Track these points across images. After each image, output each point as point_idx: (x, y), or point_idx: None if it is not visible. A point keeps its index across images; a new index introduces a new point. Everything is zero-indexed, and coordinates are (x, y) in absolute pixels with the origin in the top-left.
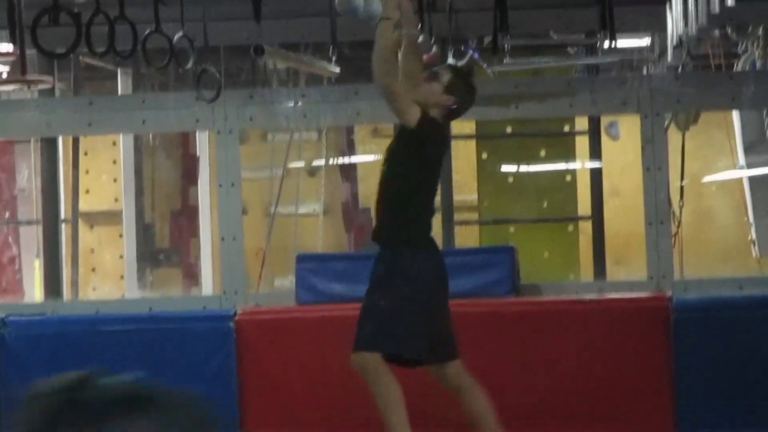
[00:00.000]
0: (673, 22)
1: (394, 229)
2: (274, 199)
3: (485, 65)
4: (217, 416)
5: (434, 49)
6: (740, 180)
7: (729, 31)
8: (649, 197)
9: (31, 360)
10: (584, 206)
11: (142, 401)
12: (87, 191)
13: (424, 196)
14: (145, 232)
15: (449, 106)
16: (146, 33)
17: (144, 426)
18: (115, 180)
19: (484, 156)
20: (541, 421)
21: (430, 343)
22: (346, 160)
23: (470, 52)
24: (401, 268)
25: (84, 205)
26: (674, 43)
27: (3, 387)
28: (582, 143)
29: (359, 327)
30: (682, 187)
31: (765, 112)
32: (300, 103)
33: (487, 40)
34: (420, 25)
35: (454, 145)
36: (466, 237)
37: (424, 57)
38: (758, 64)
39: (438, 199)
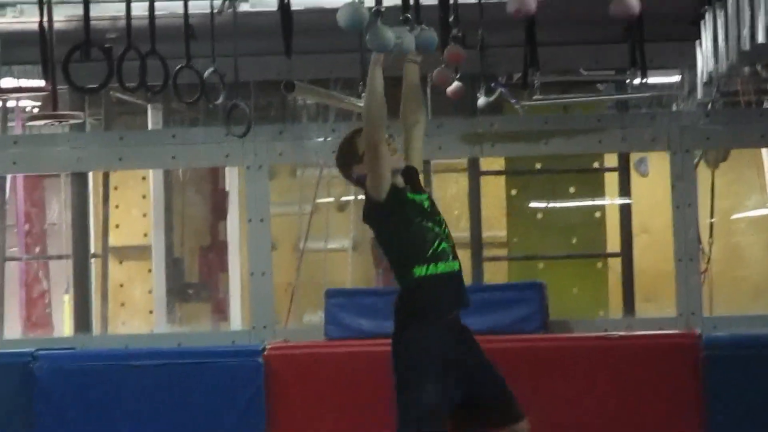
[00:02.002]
0: (703, 58)
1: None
2: (303, 234)
3: (514, 101)
4: None
5: (456, 83)
6: None
7: (759, 68)
8: (678, 234)
9: (61, 394)
10: (613, 243)
11: None
12: (117, 226)
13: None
14: (174, 266)
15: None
16: (177, 68)
17: None
18: (144, 215)
19: (514, 192)
20: None
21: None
22: None
23: (499, 88)
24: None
25: (114, 239)
26: (704, 79)
27: (34, 421)
28: (611, 180)
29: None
30: (711, 224)
31: None
32: (329, 139)
33: (517, 76)
34: None
35: (483, 180)
36: (495, 273)
37: (449, 92)
38: None
39: (467, 234)
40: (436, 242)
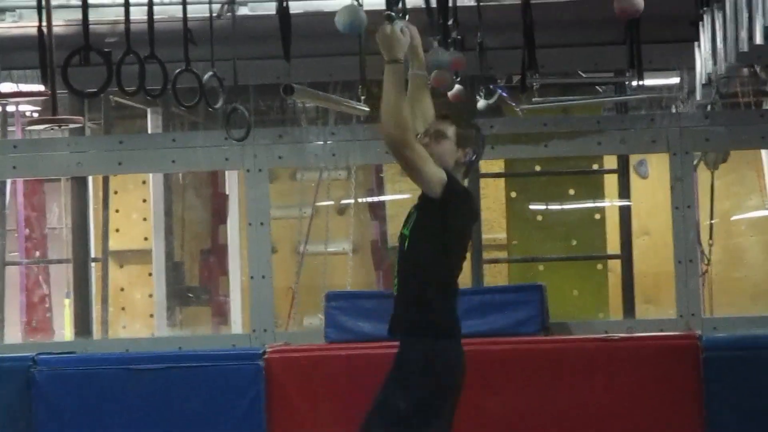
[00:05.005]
0: (702, 60)
1: (414, 315)
2: (303, 237)
3: (514, 104)
4: None
5: (457, 86)
6: None
7: (758, 69)
8: (678, 236)
9: (61, 398)
10: (613, 245)
11: None
12: (117, 230)
13: (449, 274)
14: (174, 270)
15: (469, 160)
16: (176, 72)
17: None
18: (144, 219)
19: (513, 194)
20: None
21: None
22: (375, 198)
23: (498, 90)
24: (421, 364)
25: (114, 243)
26: (703, 81)
27: (34, 425)
28: (611, 182)
29: (370, 424)
30: (711, 226)
31: None
32: (329, 142)
33: (516, 78)
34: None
35: (483, 183)
36: (495, 275)
37: (450, 95)
38: None
39: None
40: None
